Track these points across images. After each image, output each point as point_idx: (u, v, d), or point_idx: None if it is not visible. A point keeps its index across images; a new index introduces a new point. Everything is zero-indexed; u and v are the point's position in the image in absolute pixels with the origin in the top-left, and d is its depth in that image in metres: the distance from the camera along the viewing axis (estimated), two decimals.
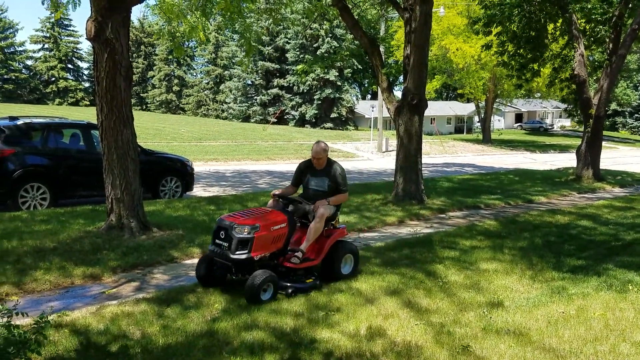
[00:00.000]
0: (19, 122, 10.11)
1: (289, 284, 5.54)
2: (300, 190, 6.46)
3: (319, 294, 5.61)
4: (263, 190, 14.29)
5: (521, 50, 17.46)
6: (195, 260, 6.99)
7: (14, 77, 62.67)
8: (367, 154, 28.59)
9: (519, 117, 70.24)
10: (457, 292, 5.81)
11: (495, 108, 44.27)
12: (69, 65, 68.50)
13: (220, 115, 56.58)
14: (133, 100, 65.34)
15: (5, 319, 3.91)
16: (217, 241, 5.53)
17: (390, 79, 13.12)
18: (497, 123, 61.18)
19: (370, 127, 50.60)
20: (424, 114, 12.08)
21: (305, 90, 47.81)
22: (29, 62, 66.36)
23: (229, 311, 5.16)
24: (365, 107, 52.17)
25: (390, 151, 30.46)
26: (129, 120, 7.48)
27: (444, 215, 10.95)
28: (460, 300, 5.58)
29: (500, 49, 17.74)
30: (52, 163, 10.05)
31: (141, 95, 66.92)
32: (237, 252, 5.30)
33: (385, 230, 9.44)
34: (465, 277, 6.36)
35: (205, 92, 61.16)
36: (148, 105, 66.18)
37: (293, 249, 5.81)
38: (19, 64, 64.67)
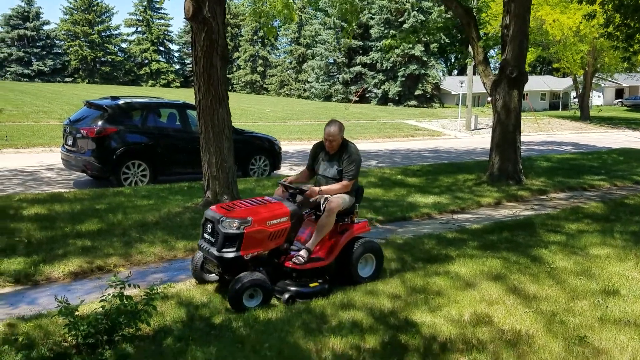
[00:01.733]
0: (120, 101, 10.61)
1: (290, 288, 4.79)
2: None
3: (415, 275, 5.43)
4: None
5: (628, 20, 15.91)
6: None
7: (110, 60, 66.35)
8: (454, 132, 27.63)
9: (619, 93, 64.98)
10: (567, 279, 5.41)
11: (594, 83, 41.17)
12: (161, 48, 71.64)
13: (302, 95, 57.05)
14: None
15: (117, 289, 4.09)
16: (205, 235, 4.84)
17: (486, 52, 12.44)
18: (596, 99, 57.01)
19: (457, 104, 48.99)
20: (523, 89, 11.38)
21: (388, 67, 46.95)
22: (123, 45, 70.05)
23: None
24: (452, 84, 50.42)
25: (479, 129, 29.26)
26: (224, 99, 7.59)
27: (544, 197, 10.31)
28: (571, 287, 5.19)
29: (604, 18, 16.28)
30: (151, 141, 10.48)
31: (227, 76, 68.96)
32: (224, 250, 4.54)
33: (480, 211, 9.03)
34: (574, 263, 5.91)
35: (288, 71, 61.85)
36: (233, 86, 67.99)
37: (302, 247, 5.06)
38: (114, 46, 68.34)
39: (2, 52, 57.10)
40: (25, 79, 55.94)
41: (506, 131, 11.10)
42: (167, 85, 66.42)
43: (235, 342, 3.97)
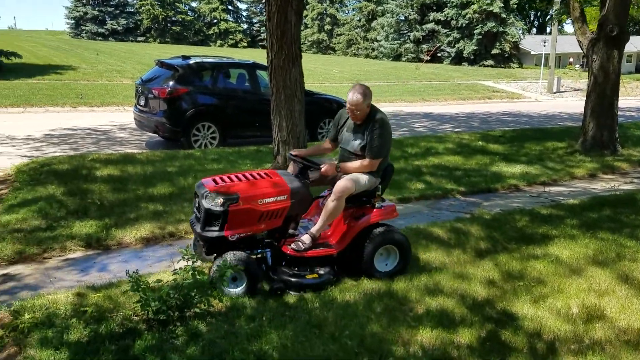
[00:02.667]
0: (191, 61, 10.37)
1: (282, 277, 4.20)
2: None
3: (509, 258, 4.86)
4: (421, 134, 13.46)
5: None
6: None
7: (180, 19, 67.08)
8: (535, 94, 25.88)
9: None
10: None
11: None
12: (229, 7, 71.57)
13: (370, 55, 55.52)
14: None
15: (189, 262, 3.82)
16: (194, 210, 4.38)
17: (583, 7, 11.19)
18: None
19: (536, 64, 46.06)
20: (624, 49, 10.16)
21: (464, 25, 44.54)
22: (193, 4, 70.48)
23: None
24: (531, 43, 47.34)
25: (562, 92, 27.30)
26: (298, 59, 7.13)
27: None
28: None
29: None
30: (221, 103, 10.23)
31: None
32: (207, 228, 4.06)
33: (573, 184, 8.20)
34: None
35: (357, 30, 60.22)
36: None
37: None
38: (184, 5, 68.93)
39: (78, 11, 58.96)
40: (99, 38, 57.69)
41: (603, 95, 10.00)
42: (235, 45, 66.58)
43: (312, 326, 3.62)
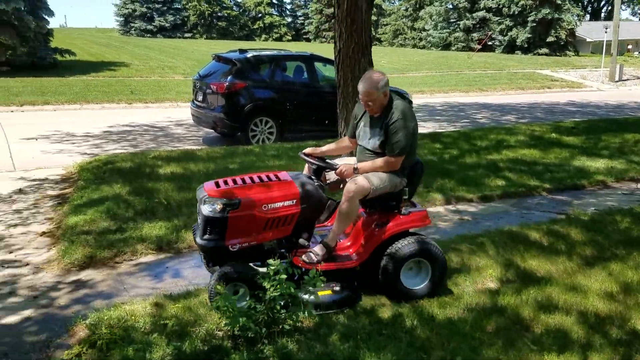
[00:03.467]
0: (249, 54, 10.08)
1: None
2: None
3: (623, 266, 4.31)
4: (484, 125, 12.80)
5: None
6: (439, 209, 6.15)
7: (226, 15, 67.59)
8: (597, 83, 24.48)
9: None
10: None
11: None
12: (274, 1, 71.60)
13: (418, 44, 54.23)
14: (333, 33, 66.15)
15: (278, 271, 3.47)
16: (198, 217, 3.91)
17: None
18: None
19: (592, 52, 43.89)
20: None
21: (516, 12, 42.78)
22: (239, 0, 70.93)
23: (506, 280, 4.19)
24: (586, 30, 45.14)
25: (625, 80, 25.76)
26: (368, 48, 6.68)
27: None
28: None
29: None
30: (278, 97, 9.91)
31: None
32: (205, 237, 3.59)
33: None
34: None
35: (403, 19, 59.00)
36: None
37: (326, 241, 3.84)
38: (230, 1, 69.42)
39: (126, 8, 60.05)
40: (147, 35, 58.62)
41: None
42: (279, 39, 66.53)
43: (416, 349, 3.21)
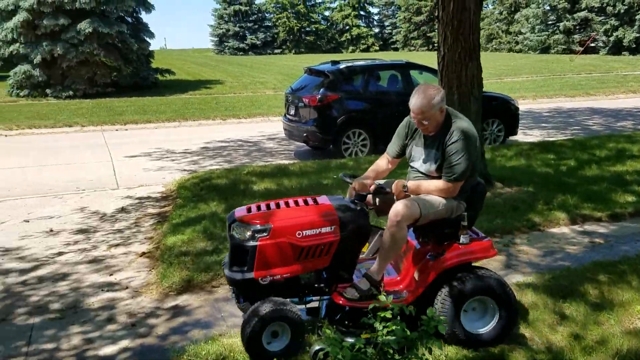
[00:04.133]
0: (341, 65, 9.81)
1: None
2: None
3: None
4: (597, 132, 11.61)
5: None
6: (564, 230, 5.44)
7: (314, 29, 68.77)
8: None
9: None
10: None
11: None
12: (361, 12, 71.82)
13: (514, 48, 51.75)
14: (422, 41, 65.44)
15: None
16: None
17: None
18: None
19: None
20: None
21: (622, 11, 39.63)
22: (326, 13, 71.90)
23: None
24: None
25: None
26: (476, 52, 6.14)
27: None
28: None
29: None
30: (372, 108, 9.56)
31: (427, 35, 66.29)
32: (234, 269, 3.21)
33: None
34: None
35: (497, 23, 56.69)
36: (434, 44, 65.21)
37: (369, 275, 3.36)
38: (318, 15, 70.56)
39: (221, 28, 62.74)
40: (240, 53, 60.86)
41: None
42: (367, 49, 66.46)
43: None
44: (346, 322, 3.32)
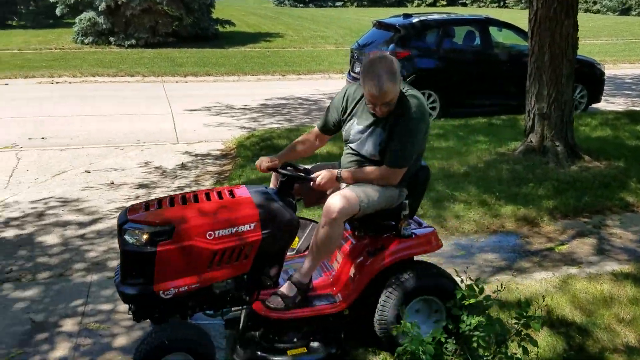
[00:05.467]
0: (414, 19, 9.14)
1: (250, 354, 2.72)
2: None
3: None
4: None
5: None
6: None
7: None
8: None
9: None
10: None
11: None
12: None
13: (591, 9, 48.25)
14: None
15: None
16: None
17: None
18: None
19: None
20: None
21: None
22: None
23: None
24: None
25: None
26: (574, 8, 5.45)
27: None
28: None
29: None
30: (445, 66, 8.91)
31: None
32: (128, 281, 2.50)
33: None
34: None
35: None
36: (506, 2, 61.76)
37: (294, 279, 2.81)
38: None
39: None
40: (300, 5, 59.66)
41: None
42: (433, 4, 63.49)
43: None
44: (270, 337, 2.78)
